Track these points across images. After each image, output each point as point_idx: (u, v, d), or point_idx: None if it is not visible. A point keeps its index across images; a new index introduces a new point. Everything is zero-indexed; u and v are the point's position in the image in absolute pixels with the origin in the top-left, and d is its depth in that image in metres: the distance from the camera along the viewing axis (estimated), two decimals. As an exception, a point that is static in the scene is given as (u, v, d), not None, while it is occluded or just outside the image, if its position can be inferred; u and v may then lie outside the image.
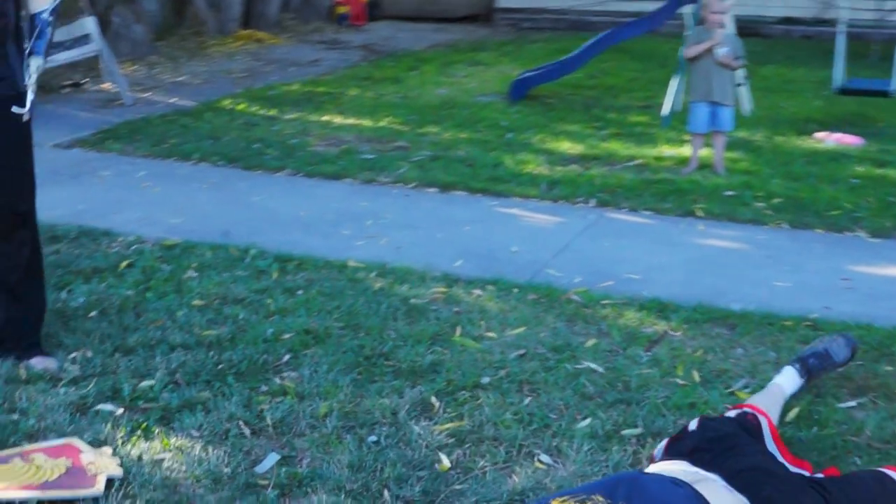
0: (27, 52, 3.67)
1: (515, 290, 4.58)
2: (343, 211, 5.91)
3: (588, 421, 3.42)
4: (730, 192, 6.31)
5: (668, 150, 7.42)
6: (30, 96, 3.78)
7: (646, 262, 5.12)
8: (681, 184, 6.50)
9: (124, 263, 4.75)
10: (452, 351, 3.93)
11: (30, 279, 3.75)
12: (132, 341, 3.90)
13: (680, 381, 3.74)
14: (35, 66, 3.69)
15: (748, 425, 3.06)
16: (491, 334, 4.10)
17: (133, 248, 5.03)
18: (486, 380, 3.71)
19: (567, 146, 7.56)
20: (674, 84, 8.24)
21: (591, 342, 4.05)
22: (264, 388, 3.59)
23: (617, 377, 3.75)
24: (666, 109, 8.32)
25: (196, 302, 4.32)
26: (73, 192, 6.12)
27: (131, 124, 7.97)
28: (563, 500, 2.55)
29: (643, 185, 6.47)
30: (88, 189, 6.22)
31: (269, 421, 3.34)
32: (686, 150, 7.18)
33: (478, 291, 4.57)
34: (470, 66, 11.55)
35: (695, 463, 2.82)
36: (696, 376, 3.77)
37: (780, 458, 3.03)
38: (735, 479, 2.73)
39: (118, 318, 4.12)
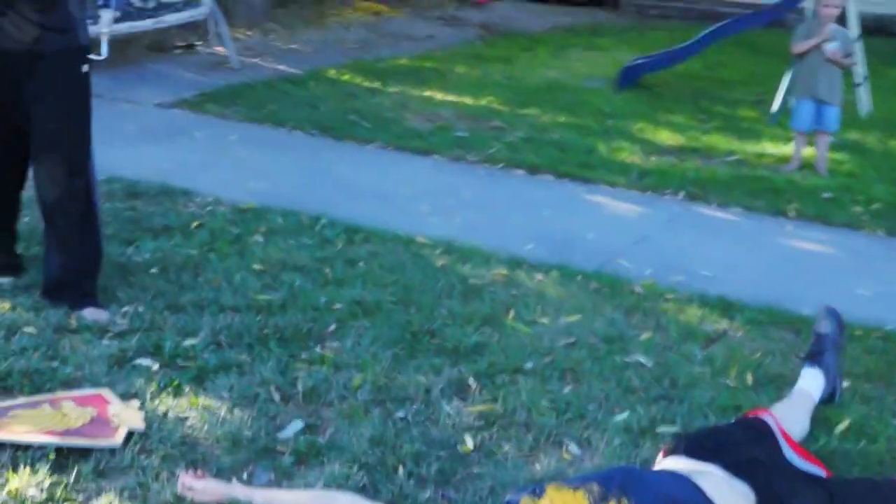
0: (100, 4, 3.75)
1: (579, 278, 4.49)
2: (424, 187, 5.88)
3: (625, 415, 3.33)
4: (827, 194, 6.07)
5: (770, 148, 7.18)
6: (104, 47, 3.87)
7: (723, 259, 4.96)
8: (777, 182, 6.28)
9: (195, 223, 4.81)
10: (501, 333, 3.87)
11: (84, 230, 3.82)
12: (184, 300, 3.94)
13: (730, 383, 3.61)
14: (106, 18, 3.75)
15: (751, 425, 2.95)
16: (544, 320, 4.03)
17: (208, 209, 5.09)
18: (529, 365, 3.64)
19: (666, 136, 7.38)
20: (786, 80, 7.96)
21: (645, 335, 3.94)
22: (304, 355, 3.59)
23: (665, 373, 3.64)
24: (775, 105, 8.05)
25: (256, 266, 4.35)
26: (163, 150, 6.23)
27: (234, 88, 8.07)
28: (558, 487, 2.50)
29: (737, 181, 6.27)
30: (179, 149, 6.32)
31: (300, 388, 3.34)
32: (790, 149, 6.93)
33: (539, 276, 4.49)
34: (585, 50, 11.37)
35: (692, 457, 2.73)
36: (749, 379, 3.64)
37: (791, 454, 2.91)
38: (733, 469, 2.65)
39: (176, 277, 4.17)
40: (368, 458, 2.94)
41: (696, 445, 2.82)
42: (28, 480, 2.70)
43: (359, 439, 3.05)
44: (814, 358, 3.47)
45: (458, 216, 5.38)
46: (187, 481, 2.71)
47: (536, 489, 2.51)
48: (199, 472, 2.76)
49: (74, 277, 3.80)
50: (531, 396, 3.40)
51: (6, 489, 2.66)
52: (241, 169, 5.96)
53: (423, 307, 4.04)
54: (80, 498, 2.68)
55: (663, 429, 3.25)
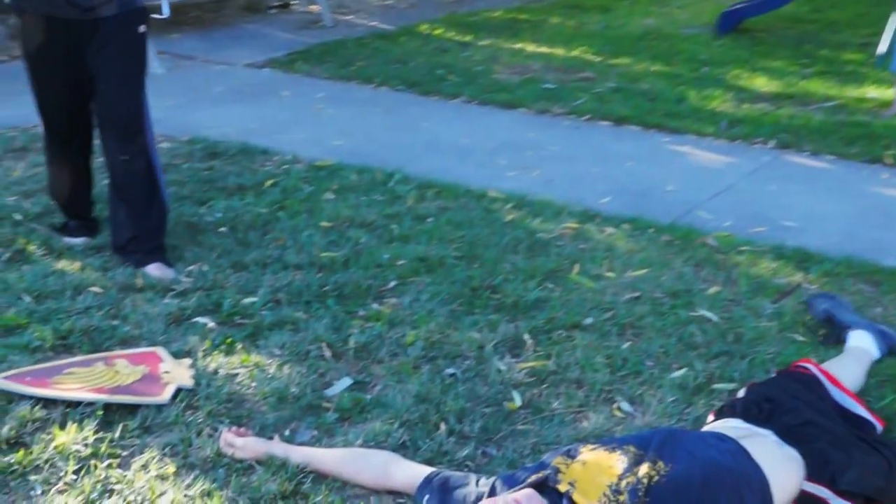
0: None
1: (651, 231, 4.39)
2: (506, 140, 5.82)
3: (682, 371, 3.25)
4: (929, 140, 5.80)
5: (872, 92, 6.89)
6: (165, 7, 3.92)
7: (809, 209, 4.79)
8: (875, 128, 6.02)
9: (269, 182, 4.86)
10: (563, 288, 3.81)
11: (147, 189, 3.90)
12: (249, 258, 3.99)
13: (799, 338, 3.49)
14: None
15: (799, 377, 2.84)
16: (610, 274, 3.95)
17: (284, 167, 5.13)
18: (588, 321, 3.58)
19: (762, 83, 7.14)
20: (893, 21, 7.61)
21: (713, 289, 3.83)
22: (361, 312, 3.60)
23: (730, 328, 3.54)
24: (882, 48, 7.71)
25: (323, 223, 4.37)
26: (249, 110, 6.30)
27: (325, 46, 8.11)
28: (594, 448, 2.45)
29: (832, 128, 6.03)
30: (264, 108, 6.38)
31: (351, 345, 3.34)
32: (892, 93, 6.64)
33: (610, 229, 4.41)
34: (689, -5, 11.07)
35: (747, 420, 2.64)
36: (821, 334, 3.50)
37: (843, 396, 2.80)
38: (787, 434, 2.56)
39: (244, 235, 4.22)
40: (411, 415, 2.93)
41: (752, 408, 2.74)
42: (74, 436, 2.76)
43: (404, 396, 3.04)
44: (846, 328, 3.37)
45: (536, 170, 5.31)
46: (228, 438, 2.74)
47: (571, 450, 2.47)
48: (241, 428, 2.79)
49: (139, 236, 3.88)
50: (586, 352, 3.35)
51: (53, 444, 2.73)
52: (324, 127, 5.99)
53: (487, 262, 4.00)
54: (124, 453, 2.74)
55: (719, 385, 3.16)
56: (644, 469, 2.35)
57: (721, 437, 2.54)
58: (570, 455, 2.44)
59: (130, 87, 3.80)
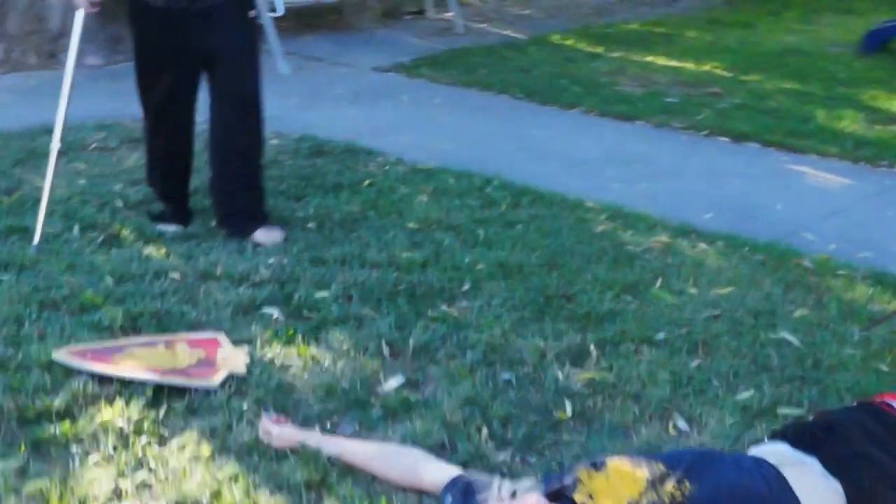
0: None
1: (745, 249, 4.24)
2: (617, 152, 5.72)
3: (749, 393, 3.12)
4: None
5: None
6: (279, 4, 4.06)
7: (924, 237, 4.55)
8: None
9: (366, 182, 4.90)
10: (641, 302, 3.72)
11: (256, 161, 4.17)
12: (329, 254, 4.02)
13: (884, 368, 3.31)
14: None
15: (878, 413, 2.66)
16: (693, 290, 3.83)
17: (385, 168, 5.16)
18: (660, 336, 3.47)
19: (898, 105, 6.84)
20: None
21: (799, 312, 3.67)
22: (430, 313, 3.58)
23: (810, 353, 3.38)
24: None
25: (411, 224, 4.37)
26: (363, 112, 6.37)
27: (452, 53, 8.15)
28: (621, 462, 2.37)
29: (966, 154, 5.72)
30: (379, 111, 6.44)
31: (412, 344, 3.33)
32: None
33: (703, 245, 4.28)
34: (838, 14, 10.69)
35: (795, 445, 2.50)
36: (910, 366, 3.32)
37: None
38: (833, 464, 2.40)
39: (330, 232, 4.26)
40: (454, 417, 2.90)
41: (803, 433, 2.60)
42: (120, 412, 2.83)
43: (453, 399, 3.00)
44: None
45: (642, 183, 5.20)
46: (266, 426, 2.76)
47: (598, 462, 2.40)
48: (280, 417, 2.81)
49: (245, 208, 4.11)
50: (651, 367, 3.25)
51: (99, 419, 2.81)
52: (434, 131, 6.01)
53: (567, 272, 3.94)
54: (166, 433, 2.79)
55: (786, 410, 3.02)
56: (668, 488, 2.26)
57: (759, 463, 2.42)
58: (596, 466, 2.37)
59: (249, 65, 4.02)
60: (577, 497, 2.27)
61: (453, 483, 2.52)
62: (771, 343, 3.44)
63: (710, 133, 6.14)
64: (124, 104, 5.20)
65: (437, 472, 2.58)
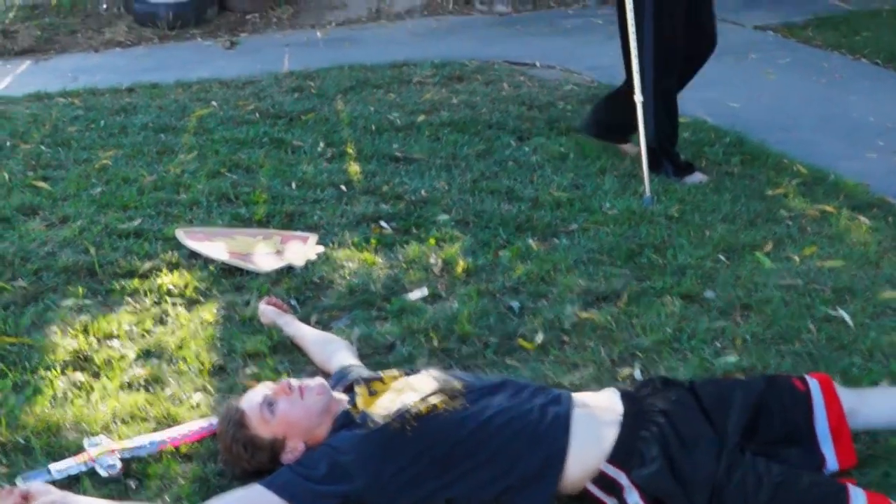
0: None
1: None
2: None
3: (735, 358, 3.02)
4: None
5: None
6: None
7: None
8: None
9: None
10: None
11: None
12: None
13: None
14: None
15: (788, 391, 2.52)
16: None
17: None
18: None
19: None
20: None
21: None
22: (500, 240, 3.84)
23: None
24: None
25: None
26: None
27: (843, 16, 7.69)
28: (429, 372, 2.60)
29: None
30: (711, 68, 6.34)
31: (461, 268, 3.61)
32: None
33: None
34: None
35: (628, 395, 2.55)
36: None
37: (824, 426, 2.48)
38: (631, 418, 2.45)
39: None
40: (428, 325, 3.19)
41: (646, 387, 2.60)
42: (172, 278, 3.53)
43: (447, 311, 3.28)
44: None
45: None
46: (261, 306, 3.29)
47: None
48: (272, 298, 3.30)
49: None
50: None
51: (158, 281, 3.52)
52: (747, 91, 5.91)
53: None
54: (197, 295, 3.42)
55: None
56: (435, 399, 2.46)
57: (557, 399, 2.50)
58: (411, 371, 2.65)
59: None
60: (358, 389, 2.56)
61: (340, 369, 2.86)
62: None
63: None
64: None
65: (342, 362, 2.92)
